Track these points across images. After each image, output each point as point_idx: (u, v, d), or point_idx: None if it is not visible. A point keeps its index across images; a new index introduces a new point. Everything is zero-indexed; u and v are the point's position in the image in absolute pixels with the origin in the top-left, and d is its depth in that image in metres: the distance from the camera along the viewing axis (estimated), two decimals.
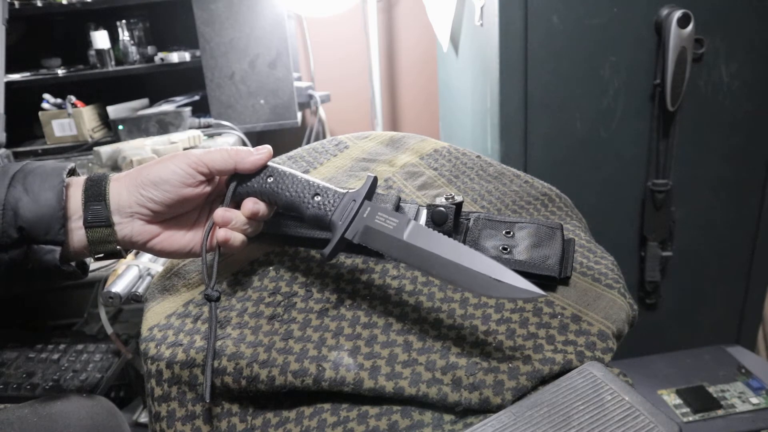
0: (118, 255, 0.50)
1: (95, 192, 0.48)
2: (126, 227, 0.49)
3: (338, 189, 0.50)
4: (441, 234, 0.45)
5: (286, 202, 0.50)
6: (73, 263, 0.50)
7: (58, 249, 0.46)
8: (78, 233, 0.48)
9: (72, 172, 0.50)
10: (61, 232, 0.46)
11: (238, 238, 0.50)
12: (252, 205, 0.50)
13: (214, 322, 0.47)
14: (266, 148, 0.51)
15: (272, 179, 0.50)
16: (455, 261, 0.44)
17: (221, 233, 0.49)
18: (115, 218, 0.48)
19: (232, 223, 0.49)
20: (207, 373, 0.44)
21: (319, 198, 0.49)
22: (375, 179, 0.50)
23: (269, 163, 0.51)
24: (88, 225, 0.47)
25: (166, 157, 0.50)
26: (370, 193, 0.50)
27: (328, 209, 0.49)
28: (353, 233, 0.47)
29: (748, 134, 1.15)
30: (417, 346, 0.47)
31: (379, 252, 0.47)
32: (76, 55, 1.64)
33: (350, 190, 0.49)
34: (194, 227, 0.52)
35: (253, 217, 0.50)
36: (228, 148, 0.51)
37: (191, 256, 0.52)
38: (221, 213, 0.50)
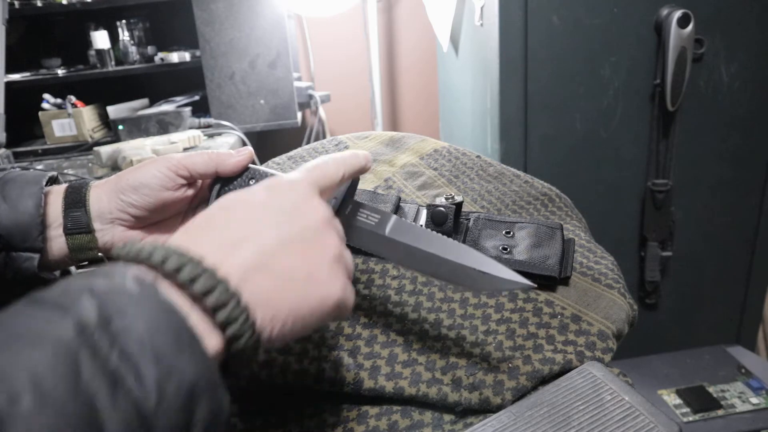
0: (100, 262, 0.50)
1: (75, 199, 0.48)
2: (107, 234, 0.48)
3: None
4: (425, 228, 0.45)
5: None
6: (57, 272, 0.50)
7: (37, 256, 0.46)
8: (58, 241, 0.47)
9: (53, 181, 0.50)
10: (39, 239, 0.46)
11: None
12: None
13: None
14: (247, 149, 0.51)
15: (254, 181, 0.51)
16: (438, 254, 0.43)
17: None
18: (96, 225, 0.48)
19: None
20: None
21: None
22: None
23: (251, 166, 0.51)
24: (68, 232, 0.47)
25: (146, 161, 0.49)
26: (352, 190, 0.49)
27: None
28: None
29: (748, 134, 1.15)
30: (417, 346, 0.46)
31: (362, 249, 0.46)
32: (76, 55, 1.64)
33: None
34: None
35: None
36: (209, 151, 0.50)
37: None
38: None
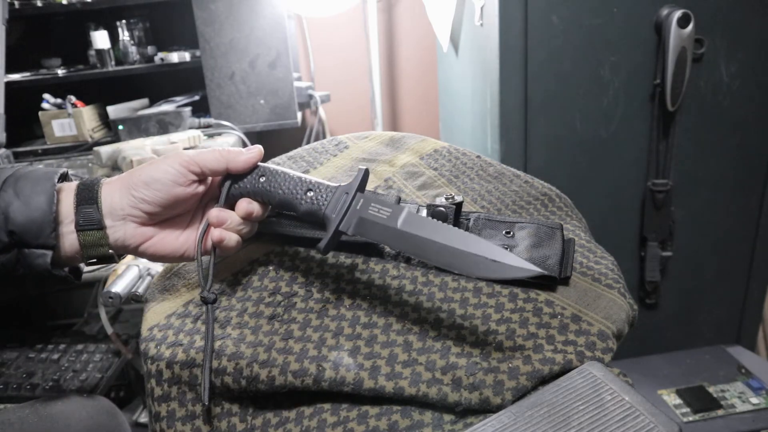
0: (110, 259, 0.50)
1: (87, 195, 0.48)
2: (118, 230, 0.48)
3: (330, 183, 0.50)
4: (435, 221, 0.46)
5: (279, 200, 0.50)
6: (66, 269, 0.50)
7: (50, 253, 0.46)
8: (70, 237, 0.48)
9: (64, 178, 0.50)
10: (52, 236, 0.46)
11: (233, 238, 0.49)
12: (246, 205, 0.50)
13: (211, 326, 0.47)
14: (257, 148, 0.52)
15: (264, 179, 0.51)
16: (451, 245, 0.44)
17: (216, 233, 0.49)
18: (107, 221, 0.48)
19: (227, 224, 0.49)
20: (204, 376, 0.44)
21: (312, 193, 0.49)
22: (366, 171, 0.50)
23: (260, 164, 0.52)
24: (79, 228, 0.47)
25: (157, 159, 0.50)
26: (362, 185, 0.50)
27: (321, 203, 0.49)
28: (347, 225, 0.48)
29: (748, 134, 1.15)
30: (417, 346, 0.46)
31: (375, 242, 0.47)
32: (76, 55, 1.64)
33: (342, 184, 0.50)
34: (187, 230, 0.52)
35: (247, 218, 0.50)
36: (219, 148, 0.51)
37: (184, 259, 0.52)
38: (216, 213, 0.50)
